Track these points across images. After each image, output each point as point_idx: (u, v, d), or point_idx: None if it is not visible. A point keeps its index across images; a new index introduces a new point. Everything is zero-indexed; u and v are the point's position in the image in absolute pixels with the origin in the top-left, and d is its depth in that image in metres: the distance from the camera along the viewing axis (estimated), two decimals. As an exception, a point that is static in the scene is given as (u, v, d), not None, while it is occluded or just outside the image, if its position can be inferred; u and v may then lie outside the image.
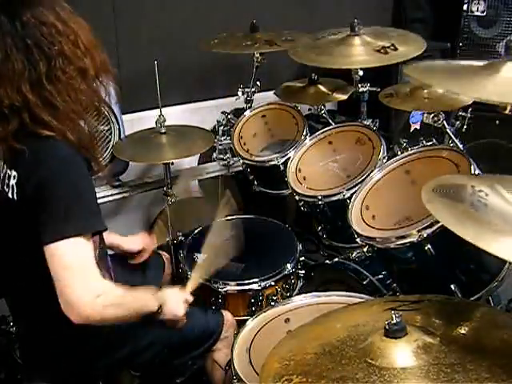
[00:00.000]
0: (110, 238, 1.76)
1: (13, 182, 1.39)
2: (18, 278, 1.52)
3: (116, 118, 2.41)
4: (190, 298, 1.67)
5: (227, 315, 1.80)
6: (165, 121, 2.25)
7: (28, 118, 1.35)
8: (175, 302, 1.60)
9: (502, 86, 1.21)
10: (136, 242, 1.91)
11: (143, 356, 1.65)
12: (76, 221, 1.34)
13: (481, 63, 1.34)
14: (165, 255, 2.09)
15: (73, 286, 1.32)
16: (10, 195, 1.40)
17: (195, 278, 1.79)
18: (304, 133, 2.31)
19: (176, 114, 2.69)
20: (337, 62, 2.03)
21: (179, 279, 2.12)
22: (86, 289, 1.33)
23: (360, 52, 2.03)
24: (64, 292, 1.32)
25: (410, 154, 1.83)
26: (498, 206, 1.11)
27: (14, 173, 1.39)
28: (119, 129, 2.43)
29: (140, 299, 1.51)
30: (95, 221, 1.40)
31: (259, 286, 1.91)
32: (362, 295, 1.64)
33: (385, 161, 1.96)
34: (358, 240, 1.70)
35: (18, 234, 1.44)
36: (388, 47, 1.97)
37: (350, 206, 1.79)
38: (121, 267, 1.77)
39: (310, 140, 2.25)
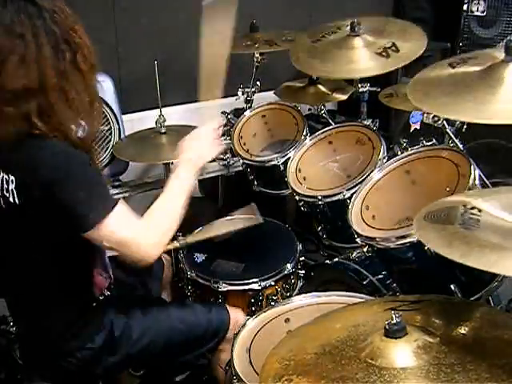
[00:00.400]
0: None
1: (11, 186, 1.38)
2: (18, 279, 1.52)
3: (116, 117, 2.41)
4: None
5: (235, 314, 1.77)
6: (165, 121, 2.25)
7: (37, 106, 1.34)
8: (199, 147, 1.66)
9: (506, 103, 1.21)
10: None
11: (142, 357, 1.64)
12: (101, 202, 1.40)
13: (481, 67, 1.33)
14: (164, 256, 2.08)
15: (135, 253, 1.44)
16: (11, 200, 1.40)
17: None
18: (304, 133, 2.31)
19: (176, 114, 2.68)
20: (338, 70, 2.03)
21: (179, 280, 2.12)
22: (145, 247, 1.45)
23: (361, 57, 2.01)
24: (131, 258, 1.45)
25: (410, 154, 1.83)
26: (491, 221, 1.12)
27: (11, 177, 1.38)
28: (119, 129, 2.44)
29: (174, 195, 1.58)
30: (111, 196, 1.47)
31: (259, 285, 1.91)
32: (362, 295, 1.64)
33: (385, 161, 1.95)
34: (358, 240, 1.69)
35: (21, 235, 1.45)
36: (389, 48, 1.97)
37: (350, 206, 1.79)
38: (120, 268, 1.77)
39: (310, 140, 2.25)
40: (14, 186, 1.38)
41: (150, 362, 1.69)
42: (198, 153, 1.65)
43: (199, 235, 1.93)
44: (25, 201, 1.38)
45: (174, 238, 1.86)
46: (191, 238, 1.88)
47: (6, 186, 1.40)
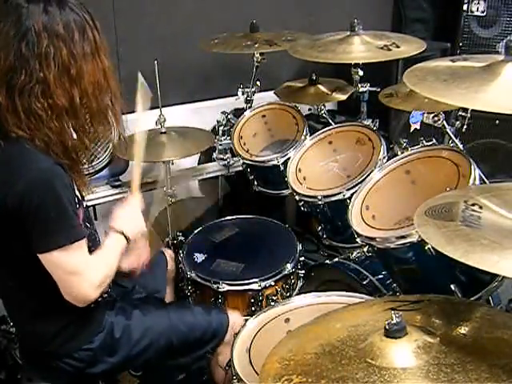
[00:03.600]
0: None
1: None
2: (14, 280, 1.51)
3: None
4: (140, 198, 1.64)
5: (235, 317, 1.77)
6: (165, 121, 2.25)
7: (1, 116, 1.34)
8: (132, 220, 1.58)
9: (502, 93, 1.22)
10: (129, 261, 1.76)
11: (141, 358, 1.64)
12: (67, 230, 1.37)
13: (481, 64, 1.34)
14: (168, 252, 2.07)
15: (75, 287, 1.41)
16: None
17: (136, 176, 1.70)
18: (304, 133, 2.31)
19: (176, 114, 2.68)
20: (339, 57, 2.03)
21: (179, 280, 2.12)
22: (87, 285, 1.41)
23: (361, 49, 2.03)
24: (68, 292, 1.41)
25: (410, 154, 1.83)
26: (492, 218, 1.12)
27: None
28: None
29: (111, 249, 1.52)
30: (79, 230, 1.42)
31: (259, 285, 1.91)
32: (362, 295, 1.65)
33: (385, 161, 1.95)
34: (358, 240, 1.69)
35: (11, 238, 1.43)
36: (390, 45, 1.98)
37: (350, 206, 1.79)
38: (119, 271, 1.76)
39: (310, 140, 2.25)
40: None
41: (150, 363, 1.69)
42: (128, 225, 1.58)
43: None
44: (1, 209, 1.36)
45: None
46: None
47: None
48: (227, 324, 1.73)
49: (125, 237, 1.54)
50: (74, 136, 1.44)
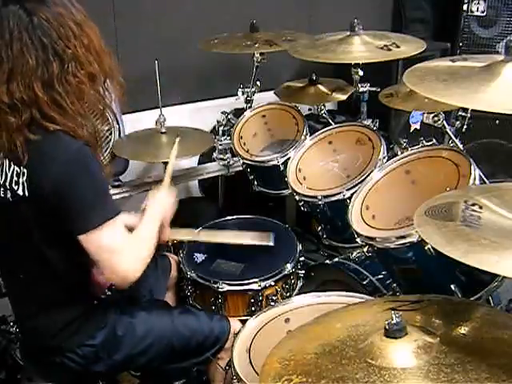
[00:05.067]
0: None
1: (22, 179, 1.40)
2: (20, 273, 1.53)
3: (116, 117, 2.41)
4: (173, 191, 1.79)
5: (236, 324, 1.76)
6: (165, 120, 2.25)
7: (38, 113, 1.37)
8: (167, 199, 1.73)
9: (502, 93, 1.22)
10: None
11: (142, 358, 1.65)
12: (104, 209, 1.42)
13: (481, 64, 1.34)
14: (172, 257, 2.08)
15: (118, 264, 1.44)
16: (19, 192, 1.41)
17: (169, 170, 1.87)
18: (304, 133, 2.31)
19: (176, 114, 2.69)
20: (339, 57, 2.03)
21: (179, 279, 2.12)
22: (130, 262, 1.46)
23: (361, 49, 2.04)
24: (112, 271, 1.44)
25: (410, 154, 1.83)
26: (492, 218, 1.12)
27: (23, 170, 1.40)
28: (119, 129, 2.44)
29: (149, 225, 1.60)
30: (116, 205, 1.48)
31: (259, 286, 1.91)
32: (362, 295, 1.64)
33: (385, 161, 1.95)
34: (358, 240, 1.69)
35: (23, 229, 1.45)
36: (390, 45, 1.98)
37: (350, 206, 1.79)
38: None
39: (310, 140, 2.25)
40: (25, 178, 1.40)
41: (150, 364, 1.69)
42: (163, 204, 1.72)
43: (211, 237, 2.03)
44: (33, 194, 1.40)
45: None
46: (204, 237, 2.01)
47: (15, 178, 1.41)
48: (229, 331, 1.73)
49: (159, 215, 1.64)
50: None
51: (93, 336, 1.56)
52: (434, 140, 1.91)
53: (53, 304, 1.54)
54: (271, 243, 2.00)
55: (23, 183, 1.40)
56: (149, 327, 1.64)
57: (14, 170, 1.42)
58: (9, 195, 1.44)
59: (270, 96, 2.71)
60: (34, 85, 1.35)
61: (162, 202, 1.71)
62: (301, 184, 2.14)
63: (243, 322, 1.70)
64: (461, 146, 1.87)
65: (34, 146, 1.39)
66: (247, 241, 2.01)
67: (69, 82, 1.38)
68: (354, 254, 2.02)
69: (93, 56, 1.43)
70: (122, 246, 1.45)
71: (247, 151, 2.45)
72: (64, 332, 1.54)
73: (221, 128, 2.62)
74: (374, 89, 2.29)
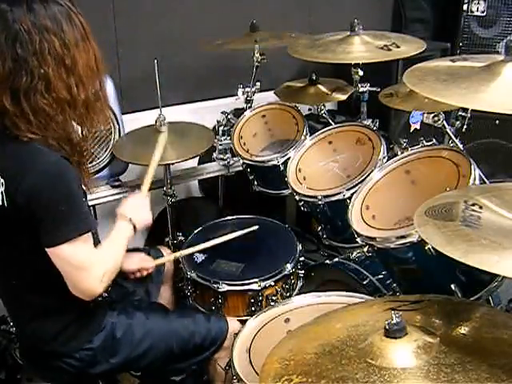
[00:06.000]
0: None
1: (2, 189, 1.38)
2: (13, 279, 1.52)
3: (116, 118, 2.41)
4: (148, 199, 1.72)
5: (233, 324, 1.77)
6: (165, 120, 2.25)
7: (9, 122, 1.35)
8: (141, 210, 1.65)
9: (502, 93, 1.22)
10: (134, 261, 1.83)
11: (141, 361, 1.65)
12: (75, 223, 1.39)
13: (481, 64, 1.34)
14: (165, 250, 2.06)
15: (83, 281, 1.43)
16: (0, 202, 1.40)
17: (148, 179, 1.83)
18: (304, 133, 2.31)
19: (176, 114, 2.68)
20: (339, 57, 2.03)
21: (179, 280, 2.12)
22: (94, 279, 1.43)
23: (361, 49, 2.03)
24: (76, 286, 1.43)
25: (410, 154, 1.83)
26: (492, 218, 1.12)
27: (1, 180, 1.38)
28: (119, 129, 2.43)
29: (118, 239, 1.56)
30: (89, 220, 1.45)
31: (259, 286, 1.91)
32: (362, 295, 1.65)
33: (385, 161, 1.95)
34: (358, 240, 1.69)
35: (12, 237, 1.45)
36: (390, 45, 1.98)
37: (350, 206, 1.79)
38: (120, 272, 1.76)
39: (310, 140, 2.24)
40: (3, 188, 1.38)
41: (149, 366, 1.69)
42: (136, 213, 1.64)
43: (193, 248, 2.03)
44: (10, 203, 1.38)
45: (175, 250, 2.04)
46: (186, 252, 2.01)
47: None
48: (226, 330, 1.74)
49: (132, 225, 1.58)
50: (79, 131, 1.46)
51: (90, 340, 1.56)
52: (434, 140, 1.91)
53: (47, 309, 1.53)
54: (255, 227, 2.09)
55: (2, 193, 1.38)
56: (147, 329, 1.64)
57: None
58: None
59: (269, 96, 2.71)
60: (3, 94, 1.32)
61: (134, 210, 1.62)
62: (301, 184, 2.14)
63: (243, 322, 1.70)
64: (461, 146, 1.87)
65: (10, 155, 1.37)
66: (232, 235, 2.06)
67: (35, 100, 1.34)
68: (354, 254, 2.02)
69: (74, 80, 1.37)
70: (90, 263, 1.42)
71: (247, 151, 2.45)
72: (60, 337, 1.53)
73: (221, 128, 2.61)
74: (373, 89, 2.29)
